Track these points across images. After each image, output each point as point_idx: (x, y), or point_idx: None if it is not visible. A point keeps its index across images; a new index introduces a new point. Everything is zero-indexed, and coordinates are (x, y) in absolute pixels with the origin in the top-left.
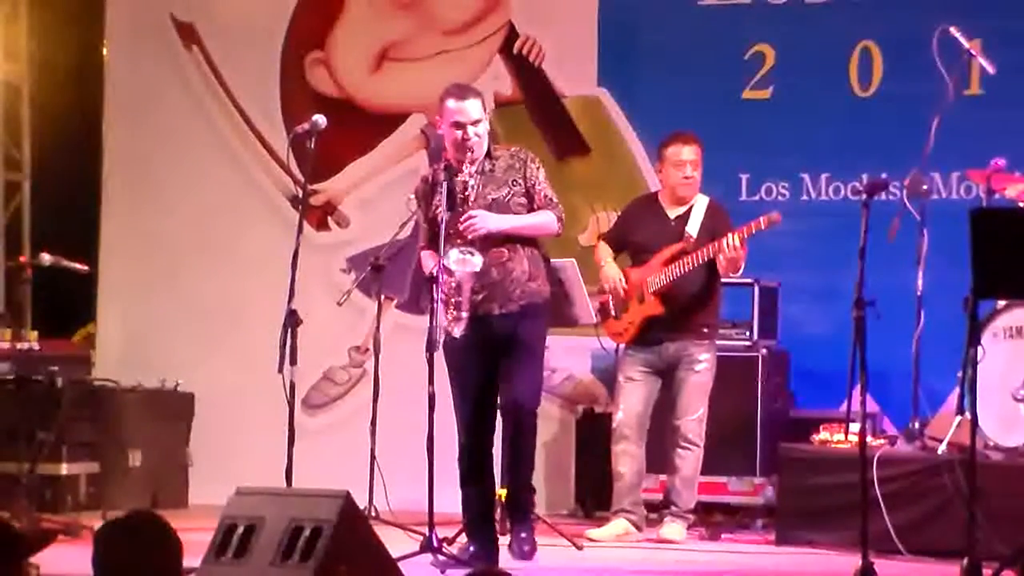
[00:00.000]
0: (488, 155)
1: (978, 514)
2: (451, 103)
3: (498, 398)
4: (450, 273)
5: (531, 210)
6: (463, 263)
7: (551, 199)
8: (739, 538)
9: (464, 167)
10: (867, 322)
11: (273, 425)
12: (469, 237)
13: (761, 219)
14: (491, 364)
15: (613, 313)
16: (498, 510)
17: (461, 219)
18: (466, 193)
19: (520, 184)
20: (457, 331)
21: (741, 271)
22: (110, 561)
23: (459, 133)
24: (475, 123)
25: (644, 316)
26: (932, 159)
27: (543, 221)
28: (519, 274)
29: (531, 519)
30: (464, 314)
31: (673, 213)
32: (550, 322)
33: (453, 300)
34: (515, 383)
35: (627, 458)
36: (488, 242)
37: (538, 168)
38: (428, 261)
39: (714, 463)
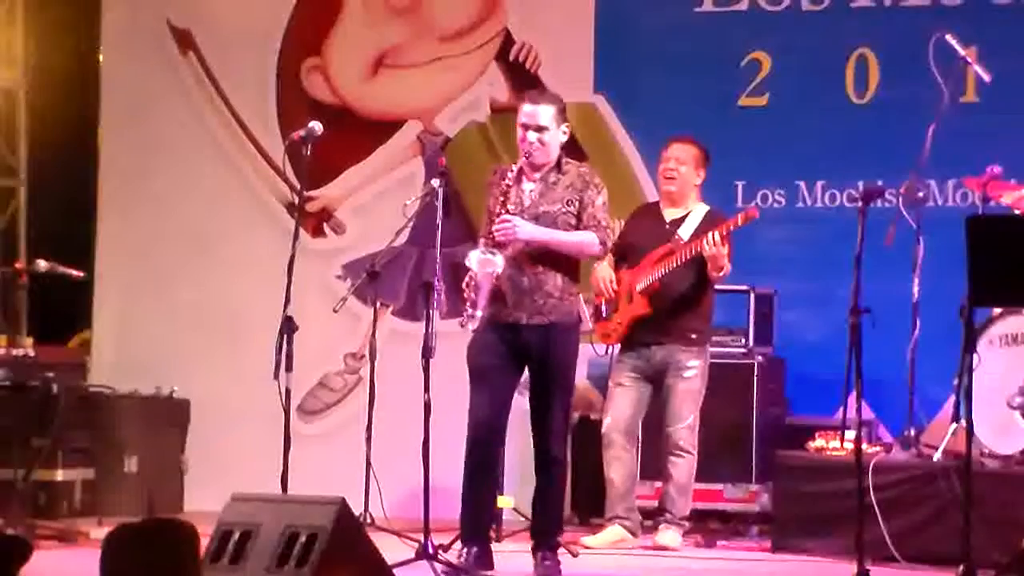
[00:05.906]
0: (558, 166)
1: (974, 521)
2: (524, 105)
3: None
4: (469, 272)
5: (577, 230)
6: (484, 264)
7: (599, 222)
8: (735, 545)
9: (531, 174)
10: (863, 329)
11: (269, 431)
12: (498, 241)
13: (738, 216)
14: (516, 371)
15: (604, 314)
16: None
17: (496, 222)
18: (520, 200)
19: (575, 204)
20: (471, 326)
21: (725, 272)
22: (117, 569)
23: (522, 135)
24: (539, 129)
25: (632, 316)
26: (928, 166)
27: (583, 239)
28: (551, 288)
29: (557, 547)
30: (478, 313)
31: (670, 217)
32: (577, 343)
33: (470, 297)
34: (547, 422)
35: (617, 464)
36: (526, 251)
37: (598, 193)
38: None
39: (709, 470)
